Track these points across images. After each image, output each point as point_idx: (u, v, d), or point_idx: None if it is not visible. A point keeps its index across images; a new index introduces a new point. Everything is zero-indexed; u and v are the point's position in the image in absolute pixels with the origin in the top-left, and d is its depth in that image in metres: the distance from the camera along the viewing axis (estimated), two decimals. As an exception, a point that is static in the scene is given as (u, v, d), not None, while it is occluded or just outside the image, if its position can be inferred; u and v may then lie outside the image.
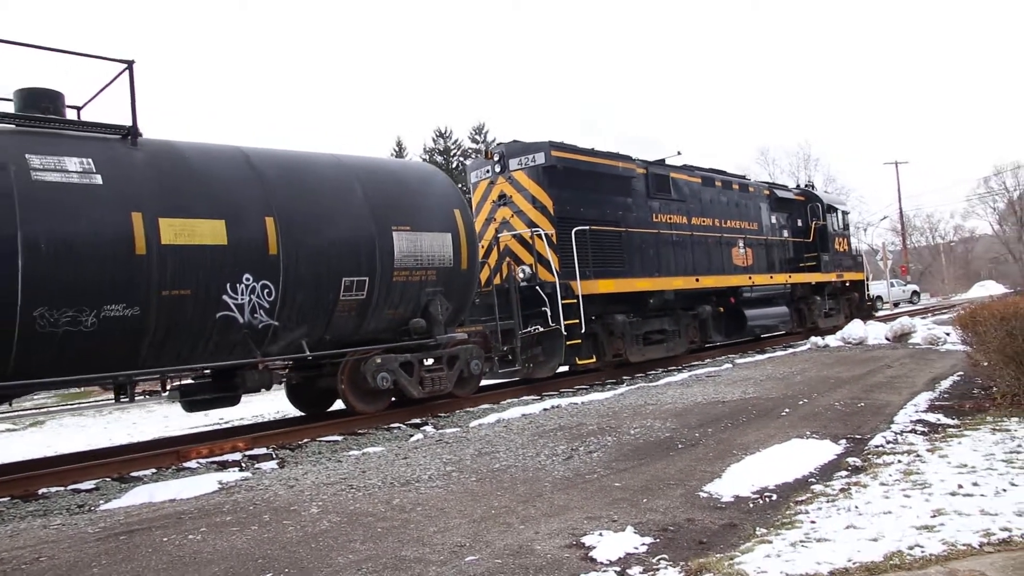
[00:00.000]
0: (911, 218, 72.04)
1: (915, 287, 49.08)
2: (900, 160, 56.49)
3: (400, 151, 52.42)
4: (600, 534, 3.97)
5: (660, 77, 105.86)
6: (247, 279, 8.17)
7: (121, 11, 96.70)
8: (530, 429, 7.36)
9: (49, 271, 6.86)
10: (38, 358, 6.98)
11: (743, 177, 19.56)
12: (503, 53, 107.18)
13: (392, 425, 9.31)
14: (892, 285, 39.56)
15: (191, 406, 8.98)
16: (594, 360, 12.74)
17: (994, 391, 7.58)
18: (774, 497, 4.71)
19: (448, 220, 10.25)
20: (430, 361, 10.06)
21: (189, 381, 9.10)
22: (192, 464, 7.65)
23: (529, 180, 12.72)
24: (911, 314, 23.03)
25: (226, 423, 12.68)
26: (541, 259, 12.13)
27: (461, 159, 52.47)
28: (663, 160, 16.00)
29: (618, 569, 3.55)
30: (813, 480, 5.06)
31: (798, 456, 5.61)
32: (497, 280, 12.09)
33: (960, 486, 4.49)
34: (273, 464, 7.41)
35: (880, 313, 26.02)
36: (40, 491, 6.87)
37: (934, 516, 3.99)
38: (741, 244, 17.15)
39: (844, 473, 5.15)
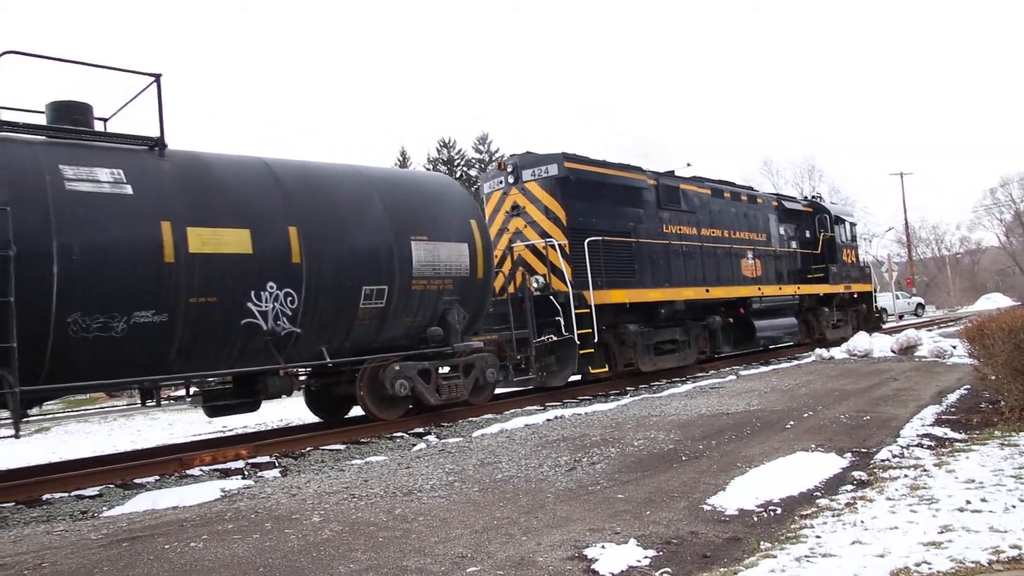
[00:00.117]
0: (916, 229, 71.89)
1: (920, 299, 48.89)
2: (905, 171, 56.21)
3: (404, 161, 52.59)
4: (602, 546, 3.94)
5: (665, 86, 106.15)
6: (271, 287, 8.32)
7: (124, 13, 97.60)
8: (533, 439, 7.32)
9: (82, 278, 7.01)
10: (70, 362, 7.13)
11: (752, 188, 19.68)
12: (507, 64, 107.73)
13: (395, 434, 9.29)
14: (897, 297, 39.43)
15: (213, 411, 9.13)
16: (606, 369, 12.84)
17: (1002, 405, 7.52)
18: (779, 511, 4.67)
19: (465, 230, 10.41)
20: (446, 369, 10.17)
21: (212, 387, 9.24)
22: (195, 471, 7.63)
23: (542, 191, 12.87)
24: (917, 326, 22.97)
25: (229, 431, 12.67)
26: (554, 269, 12.24)
27: (465, 169, 52.61)
28: (673, 172, 16.11)
29: (620, 583, 3.52)
30: (818, 494, 5.01)
31: (803, 469, 5.56)
32: (511, 289, 12.18)
33: (968, 502, 4.44)
34: (276, 472, 7.39)
35: (885, 326, 25.94)
36: (44, 497, 6.87)
37: (942, 532, 3.94)
38: (750, 255, 17.23)
39: (850, 487, 5.10)
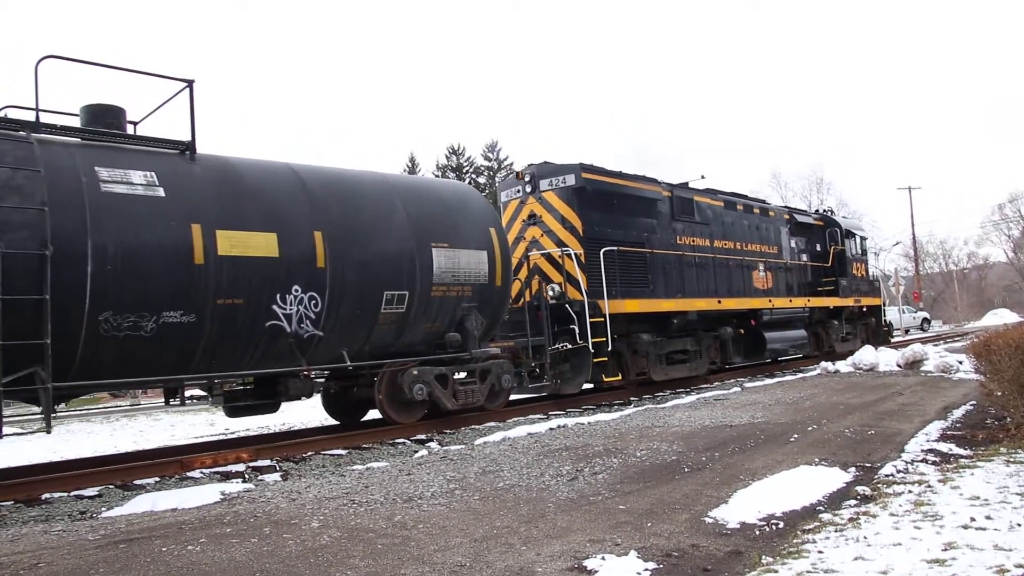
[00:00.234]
0: (924, 244, 71.72)
1: (926, 314, 48.65)
2: (914, 186, 56.22)
3: (413, 167, 52.72)
4: (602, 558, 3.91)
5: (672, 97, 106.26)
6: (296, 290, 8.48)
7: (137, 19, 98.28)
8: (535, 448, 7.29)
9: (115, 278, 7.17)
10: (100, 360, 7.28)
11: (764, 201, 19.92)
12: (517, 73, 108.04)
13: (397, 440, 9.27)
14: (902, 312, 39.26)
15: (234, 411, 9.26)
16: (620, 378, 12.94)
17: (1008, 421, 7.47)
18: (781, 525, 4.63)
19: (484, 238, 10.57)
20: (462, 374, 10.29)
21: (234, 387, 9.33)
22: (195, 474, 7.63)
23: (559, 201, 13.03)
24: (923, 341, 22.87)
25: (231, 434, 12.67)
26: (570, 278, 12.36)
27: (473, 176, 52.69)
28: (687, 183, 16.26)
29: (620, 595, 3.48)
30: (821, 508, 4.97)
31: (806, 483, 5.52)
32: (527, 297, 12.27)
33: (973, 519, 4.40)
34: (276, 476, 7.37)
35: (891, 340, 25.86)
36: (43, 496, 6.88)
37: (945, 550, 3.89)
38: (761, 267, 17.34)
39: (853, 502, 5.06)
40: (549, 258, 12.76)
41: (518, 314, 11.78)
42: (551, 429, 8.79)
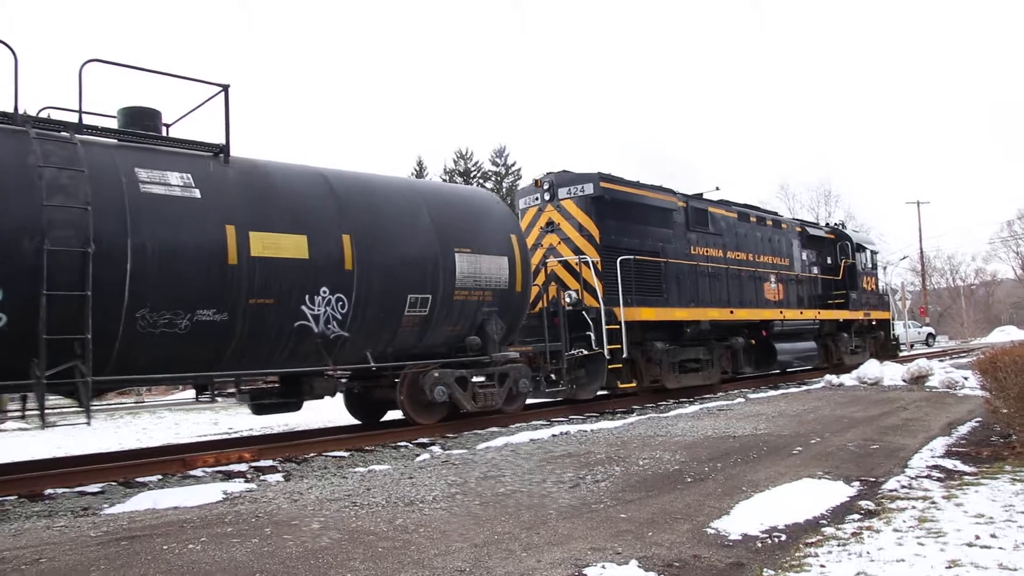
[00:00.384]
0: (931, 259, 71.37)
1: (930, 329, 48.43)
2: (922, 200, 55.94)
3: (420, 171, 52.81)
4: (603, 566, 3.88)
5: (681, 106, 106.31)
6: (324, 291, 8.64)
7: (137, 19, 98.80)
8: (538, 454, 7.27)
9: (153, 276, 7.33)
10: (135, 356, 7.43)
11: (776, 213, 20.04)
12: (522, 76, 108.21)
13: (399, 443, 9.26)
14: (907, 327, 39.10)
15: (258, 409, 9.41)
16: (634, 384, 13.03)
17: (1013, 439, 7.41)
18: (783, 537, 4.59)
19: (505, 244, 10.73)
20: (481, 378, 10.43)
21: (260, 385, 9.50)
22: (198, 472, 7.63)
23: (577, 209, 13.15)
24: (928, 356, 22.76)
25: (235, 433, 12.68)
26: (587, 286, 12.44)
27: (481, 181, 52.72)
28: (701, 194, 16.34)
29: (620, 604, 3.46)
30: (824, 522, 4.93)
31: (809, 496, 5.47)
32: (543, 303, 12.36)
33: (977, 537, 4.35)
34: (279, 477, 7.36)
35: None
36: (47, 491, 6.88)
37: (949, 567, 3.85)
38: (773, 279, 17.39)
39: (856, 516, 5.01)
40: (566, 265, 12.88)
41: (534, 320, 11.90)
42: (554, 435, 8.76)
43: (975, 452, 7.26)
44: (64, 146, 7.24)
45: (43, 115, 7.58)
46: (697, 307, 14.52)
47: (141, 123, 8.24)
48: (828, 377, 15.46)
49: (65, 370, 6.79)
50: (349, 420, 12.46)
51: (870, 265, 21.88)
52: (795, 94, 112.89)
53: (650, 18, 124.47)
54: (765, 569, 3.97)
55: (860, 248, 21.19)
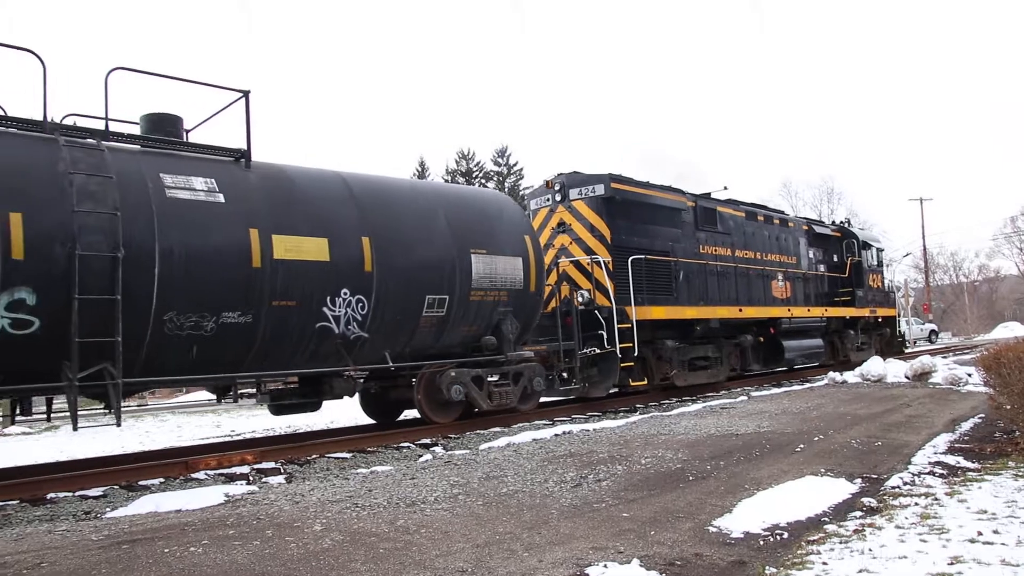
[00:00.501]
0: (935, 256, 71.16)
1: (933, 326, 48.27)
2: (925, 197, 55.77)
3: (422, 171, 52.81)
4: (605, 566, 3.86)
5: (681, 106, 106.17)
6: (344, 293, 8.75)
7: (135, 20, 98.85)
8: (540, 454, 7.24)
9: (180, 280, 7.43)
10: (162, 358, 7.54)
11: (783, 212, 20.12)
12: (523, 76, 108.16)
13: (401, 444, 9.26)
14: (909, 324, 39.04)
15: (278, 410, 9.53)
16: (645, 382, 13.10)
17: (1017, 435, 7.36)
18: (785, 535, 4.56)
19: (519, 245, 10.84)
20: (495, 377, 10.50)
21: (279, 386, 9.62)
22: (200, 475, 7.58)
23: (589, 210, 13.24)
24: (932, 353, 22.75)
25: (237, 435, 12.69)
26: (599, 285, 12.53)
27: (483, 182, 52.71)
28: (709, 194, 16.36)
29: (622, 603, 3.45)
30: (826, 519, 4.89)
31: (812, 494, 5.43)
32: (554, 303, 12.42)
33: (980, 533, 4.30)
34: (280, 479, 7.33)
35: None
36: (48, 496, 6.80)
37: (951, 564, 3.82)
38: (780, 277, 17.40)
39: (859, 513, 4.97)
40: (578, 265, 12.96)
41: (547, 319, 11.98)
42: (556, 435, 8.74)
43: (978, 448, 7.22)
44: (92, 153, 7.33)
45: (67, 122, 7.68)
46: (706, 305, 14.54)
47: (163, 129, 8.36)
48: (831, 374, 15.42)
49: (95, 372, 6.88)
50: (351, 421, 12.49)
51: (876, 263, 21.84)
52: (796, 92, 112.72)
53: (650, 17, 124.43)
54: (767, 567, 3.95)
55: (866, 246, 21.18)
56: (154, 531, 4.76)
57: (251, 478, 7.43)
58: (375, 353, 9.24)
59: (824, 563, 3.93)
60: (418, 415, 10.35)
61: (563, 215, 13.47)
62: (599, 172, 13.51)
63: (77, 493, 6.91)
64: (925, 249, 57.90)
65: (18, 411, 7.57)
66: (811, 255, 19.26)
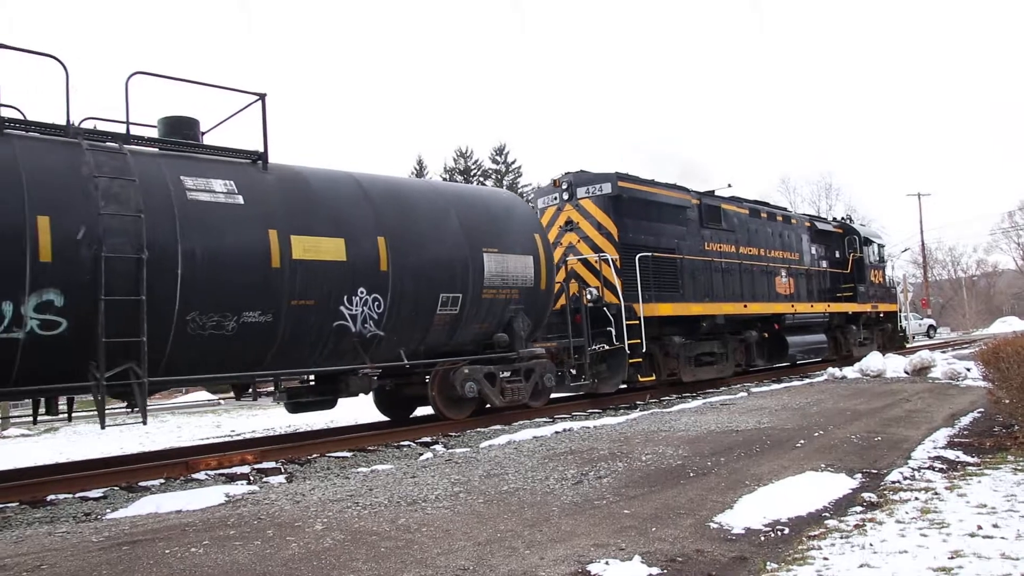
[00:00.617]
0: (933, 251, 71.09)
1: (931, 321, 48.17)
2: (923, 192, 55.70)
3: (420, 170, 52.78)
4: (606, 563, 3.86)
5: (680, 104, 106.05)
6: (361, 292, 8.87)
7: (134, 20, 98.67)
8: (541, 452, 7.23)
9: (202, 281, 7.51)
10: (185, 357, 7.61)
11: (786, 209, 20.12)
12: (522, 75, 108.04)
13: (402, 443, 9.25)
14: (909, 319, 39.08)
15: (294, 407, 9.63)
16: (653, 378, 13.15)
17: (1016, 429, 7.34)
18: (786, 531, 4.55)
19: (530, 243, 10.92)
20: (507, 373, 10.59)
21: (296, 384, 9.67)
22: (201, 476, 7.54)
23: (596, 208, 13.29)
24: (931, 348, 22.78)
25: (237, 435, 12.68)
26: (607, 283, 12.59)
27: (481, 180, 52.69)
28: (713, 191, 16.37)
29: (624, 599, 3.44)
30: (827, 515, 4.87)
31: (812, 489, 5.40)
32: (562, 300, 12.45)
33: (980, 527, 4.27)
34: (281, 478, 7.30)
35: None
36: (49, 497, 6.73)
37: (952, 558, 3.80)
38: (784, 273, 17.42)
39: (859, 509, 4.94)
40: (586, 263, 13.00)
41: (556, 316, 12.02)
42: (557, 433, 8.72)
43: (978, 443, 7.20)
44: (114, 156, 7.39)
45: (86, 125, 7.73)
46: (712, 302, 14.57)
47: (181, 132, 8.38)
48: (831, 370, 15.42)
49: (120, 372, 6.96)
50: (352, 421, 12.50)
51: (877, 259, 21.83)
52: (795, 89, 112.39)
53: (650, 17, 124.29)
54: (768, 562, 3.94)
55: (867, 242, 21.18)
56: (155, 532, 4.74)
57: (251, 478, 7.39)
58: (390, 351, 9.32)
59: (825, 558, 3.91)
60: (431, 411, 10.41)
61: (571, 213, 13.50)
62: (606, 171, 13.53)
63: (77, 494, 6.83)
64: (923, 244, 57.89)
65: (42, 410, 7.59)
66: (814, 251, 19.25)
